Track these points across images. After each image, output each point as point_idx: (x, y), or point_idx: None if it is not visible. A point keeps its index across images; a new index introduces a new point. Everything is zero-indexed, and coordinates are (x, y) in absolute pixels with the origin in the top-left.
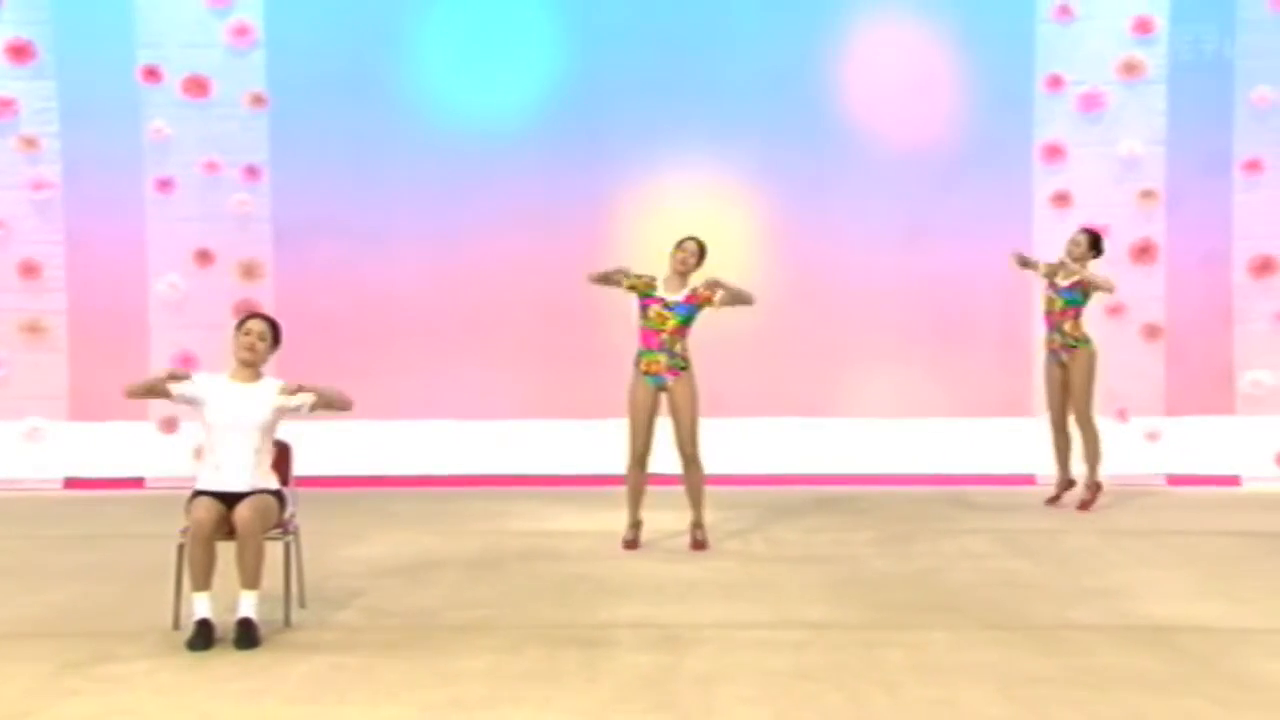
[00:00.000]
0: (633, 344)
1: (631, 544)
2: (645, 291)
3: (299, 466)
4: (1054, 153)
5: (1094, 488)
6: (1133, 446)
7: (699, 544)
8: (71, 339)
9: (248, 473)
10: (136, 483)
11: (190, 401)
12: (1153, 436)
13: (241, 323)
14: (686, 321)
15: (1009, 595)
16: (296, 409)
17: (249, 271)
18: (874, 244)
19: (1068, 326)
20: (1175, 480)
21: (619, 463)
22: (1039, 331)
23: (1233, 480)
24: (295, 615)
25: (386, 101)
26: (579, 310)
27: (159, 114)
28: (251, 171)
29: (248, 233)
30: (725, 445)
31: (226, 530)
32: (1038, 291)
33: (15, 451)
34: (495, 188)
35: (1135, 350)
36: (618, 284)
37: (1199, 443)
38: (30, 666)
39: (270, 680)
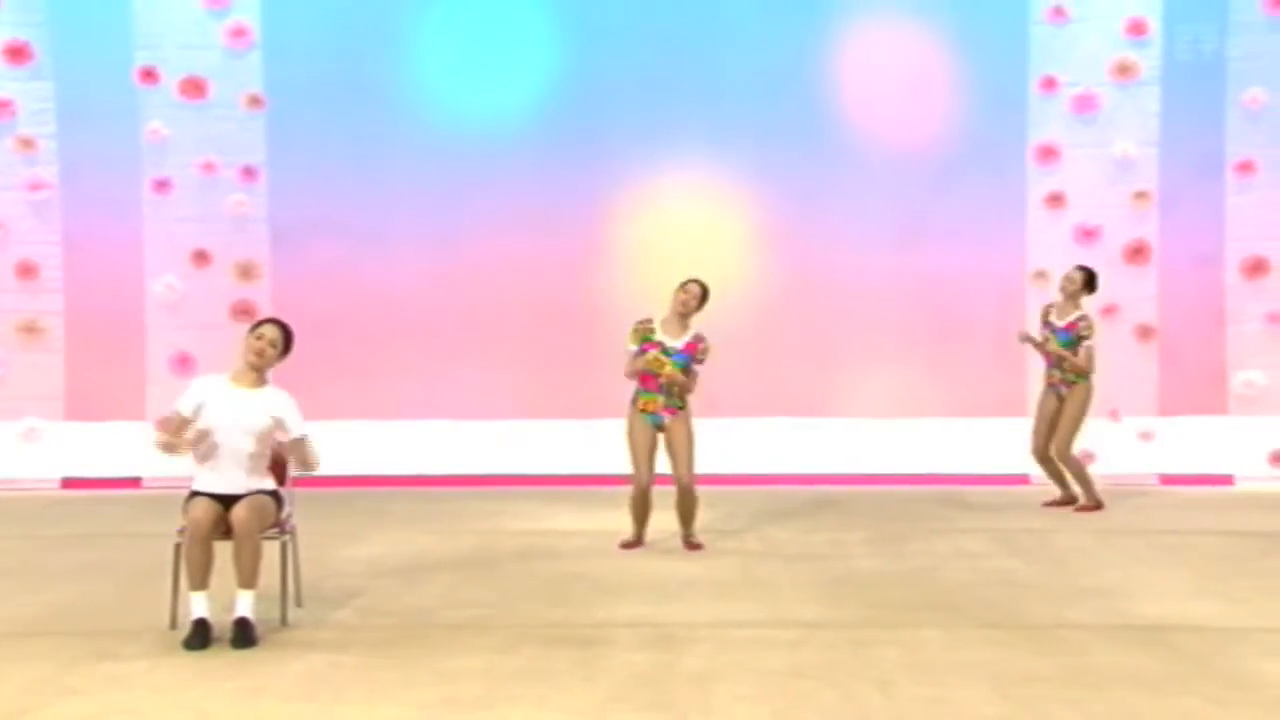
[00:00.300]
0: None
1: (630, 545)
2: (645, 337)
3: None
4: (1048, 154)
5: (1094, 504)
6: (1126, 446)
7: (694, 545)
8: (68, 339)
9: (243, 476)
10: (134, 482)
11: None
12: (1146, 436)
13: (256, 325)
14: (683, 369)
15: (1004, 594)
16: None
17: (246, 272)
18: (869, 244)
19: (1067, 364)
20: (1169, 480)
21: (616, 463)
22: (1034, 331)
23: (1226, 480)
24: (292, 614)
25: (384, 102)
26: (576, 310)
27: (156, 115)
28: (249, 172)
29: (245, 233)
30: (721, 445)
31: (224, 530)
32: (1033, 292)
33: (12, 451)
34: (493, 188)
35: (1128, 351)
36: (645, 363)
37: (1192, 443)
38: (29, 666)
39: (267, 679)
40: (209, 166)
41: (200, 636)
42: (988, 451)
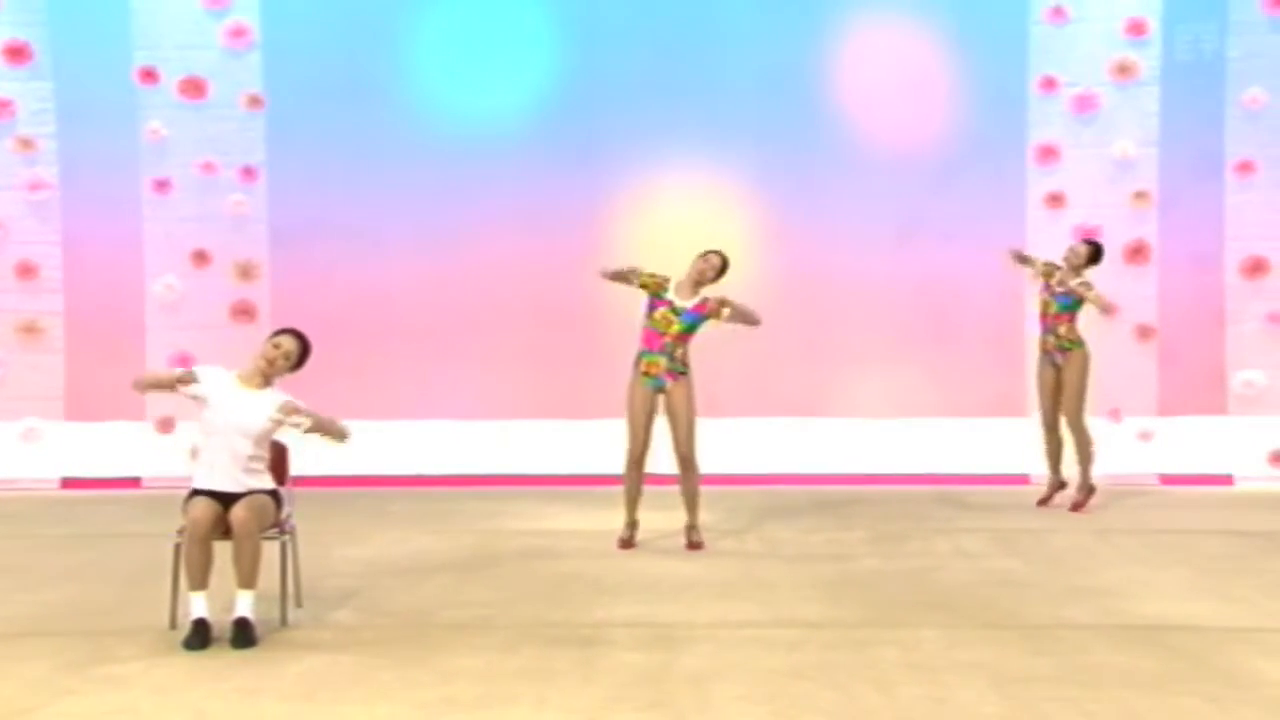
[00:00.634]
0: (629, 345)
1: (627, 543)
2: (656, 292)
3: (296, 466)
4: (1048, 154)
5: (1087, 490)
6: (1126, 446)
7: (694, 544)
8: (68, 340)
9: (241, 476)
10: (133, 482)
11: (195, 398)
12: (1145, 436)
13: (277, 333)
14: (691, 329)
15: (1002, 594)
16: (295, 426)
17: (245, 272)
18: (868, 244)
19: (1063, 329)
20: (1168, 480)
21: (615, 463)
22: (1032, 332)
23: (1225, 480)
24: (291, 614)
25: (383, 103)
26: (575, 311)
27: (156, 115)
28: (248, 172)
29: (244, 234)
30: (720, 445)
31: (223, 530)
32: (1031, 292)
33: (12, 452)
34: (491, 189)
35: (1128, 350)
36: (629, 282)
37: (1192, 442)
38: (27, 665)
39: (266, 679)
40: (208, 167)
41: (199, 636)
42: (987, 451)
